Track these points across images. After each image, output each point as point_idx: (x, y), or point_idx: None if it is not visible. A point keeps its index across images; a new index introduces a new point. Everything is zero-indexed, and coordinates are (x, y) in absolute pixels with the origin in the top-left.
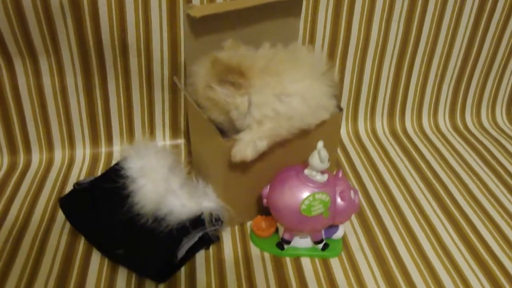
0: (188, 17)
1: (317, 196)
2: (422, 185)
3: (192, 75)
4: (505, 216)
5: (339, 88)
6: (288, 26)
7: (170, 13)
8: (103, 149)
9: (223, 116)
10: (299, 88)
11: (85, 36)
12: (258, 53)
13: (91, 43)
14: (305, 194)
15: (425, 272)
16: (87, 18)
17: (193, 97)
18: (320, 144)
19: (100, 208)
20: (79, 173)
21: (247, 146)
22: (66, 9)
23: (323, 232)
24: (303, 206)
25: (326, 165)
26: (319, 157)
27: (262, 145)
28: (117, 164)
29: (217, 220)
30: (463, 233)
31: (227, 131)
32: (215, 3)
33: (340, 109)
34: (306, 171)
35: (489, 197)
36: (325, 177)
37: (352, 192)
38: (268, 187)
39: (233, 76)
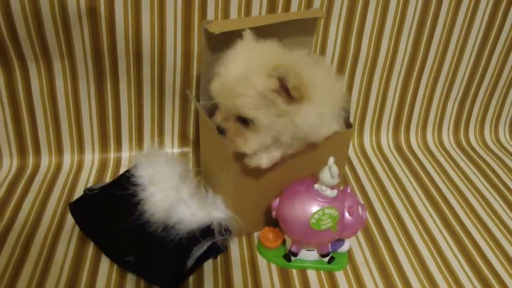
0: (206, 32)
1: (326, 210)
2: (425, 201)
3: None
4: (506, 233)
5: (349, 101)
6: (302, 44)
7: (185, 25)
8: (112, 155)
9: (272, 118)
10: (320, 108)
11: (100, 42)
12: (313, 70)
13: (105, 49)
14: (315, 208)
15: (427, 286)
16: (103, 24)
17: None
18: (331, 160)
19: (110, 214)
20: (87, 178)
21: (263, 154)
22: (83, 15)
23: (329, 245)
24: (313, 220)
25: (336, 180)
26: (330, 173)
27: (277, 154)
28: (127, 171)
29: (226, 230)
30: (465, 249)
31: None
32: (232, 20)
33: (350, 126)
34: (316, 186)
35: (491, 214)
36: (334, 192)
37: (360, 208)
38: (278, 199)
39: (296, 90)
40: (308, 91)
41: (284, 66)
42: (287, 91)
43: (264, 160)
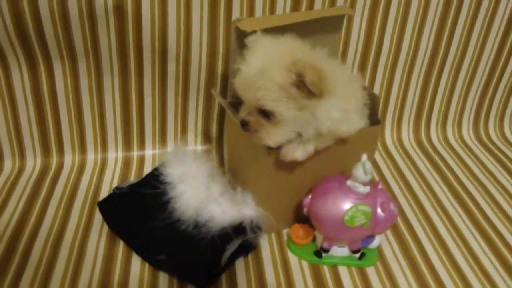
0: (237, 30)
1: (360, 207)
2: (450, 196)
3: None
4: None
5: (377, 97)
6: (330, 41)
7: (211, 22)
8: (135, 153)
9: (293, 111)
10: (343, 104)
11: (126, 40)
12: (334, 67)
13: (131, 47)
14: (348, 205)
15: (457, 281)
16: (130, 22)
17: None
18: (364, 156)
19: (140, 213)
20: (112, 176)
21: (297, 147)
22: (110, 12)
23: (360, 241)
24: (347, 217)
25: (369, 177)
26: (363, 169)
27: (311, 147)
28: (156, 169)
29: (257, 228)
30: (493, 244)
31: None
32: (263, 17)
33: (378, 122)
34: (349, 183)
35: None
36: (367, 188)
37: (391, 204)
38: (310, 196)
39: (316, 86)
40: (328, 85)
41: (302, 62)
42: (306, 86)
43: (299, 153)
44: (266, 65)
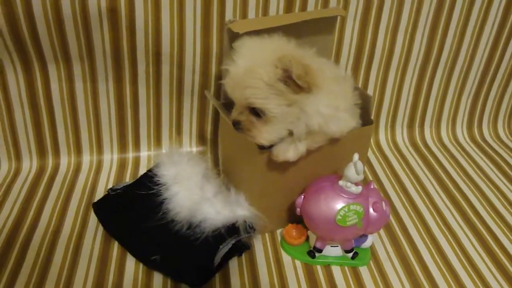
0: (230, 31)
1: (352, 207)
2: (443, 196)
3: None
4: None
5: (369, 97)
6: (323, 43)
7: (204, 25)
8: (130, 154)
9: (282, 108)
10: (332, 99)
11: (120, 43)
12: (323, 65)
13: (125, 50)
14: (340, 205)
15: (450, 280)
16: (124, 25)
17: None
18: (356, 156)
19: (134, 214)
20: (107, 178)
21: (289, 147)
22: (103, 17)
23: (353, 241)
24: (339, 217)
25: (361, 177)
26: (355, 169)
27: (303, 147)
28: (150, 170)
29: (251, 228)
30: (485, 242)
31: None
32: (255, 19)
33: (371, 122)
34: (341, 182)
35: (508, 207)
36: (359, 188)
37: (383, 203)
38: (302, 196)
39: (303, 80)
40: (315, 79)
41: (288, 57)
42: (293, 80)
43: (291, 154)
44: (253, 64)
